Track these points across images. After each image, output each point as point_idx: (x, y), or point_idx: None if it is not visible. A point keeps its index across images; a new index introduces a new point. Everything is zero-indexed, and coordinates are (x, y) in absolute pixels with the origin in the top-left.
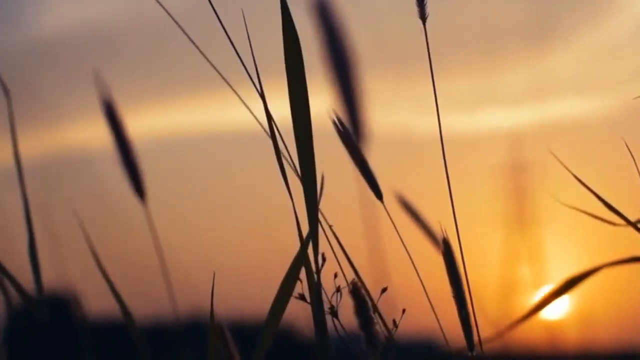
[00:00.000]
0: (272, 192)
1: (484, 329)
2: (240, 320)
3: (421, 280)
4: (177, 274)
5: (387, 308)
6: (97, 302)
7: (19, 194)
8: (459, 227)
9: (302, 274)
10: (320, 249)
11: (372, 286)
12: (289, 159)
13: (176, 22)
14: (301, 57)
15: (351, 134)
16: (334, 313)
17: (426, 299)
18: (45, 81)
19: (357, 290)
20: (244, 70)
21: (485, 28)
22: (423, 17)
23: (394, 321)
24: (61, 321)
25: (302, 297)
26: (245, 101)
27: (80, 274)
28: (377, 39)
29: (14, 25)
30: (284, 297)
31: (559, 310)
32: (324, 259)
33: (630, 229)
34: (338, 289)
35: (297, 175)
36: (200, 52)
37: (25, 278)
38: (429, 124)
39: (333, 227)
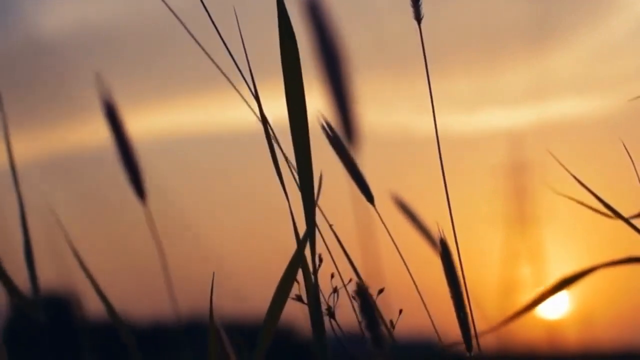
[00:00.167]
0: (272, 192)
1: (483, 328)
2: (240, 320)
3: (414, 281)
4: (177, 274)
5: (384, 309)
6: (98, 302)
7: (15, 197)
8: (458, 227)
9: (300, 275)
10: (317, 250)
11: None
12: (286, 160)
13: (180, 21)
14: (298, 57)
15: (340, 138)
16: (331, 314)
17: (426, 299)
18: (46, 81)
19: (363, 291)
20: (244, 71)
21: (485, 28)
22: (418, 17)
23: (391, 322)
24: (61, 321)
25: (299, 298)
26: (247, 101)
27: (81, 274)
28: (377, 39)
29: (14, 26)
30: (281, 297)
31: (559, 310)
32: (320, 260)
33: (630, 229)
34: (335, 290)
35: (293, 175)
36: (204, 50)
37: (23, 279)
38: (429, 124)
39: (333, 227)
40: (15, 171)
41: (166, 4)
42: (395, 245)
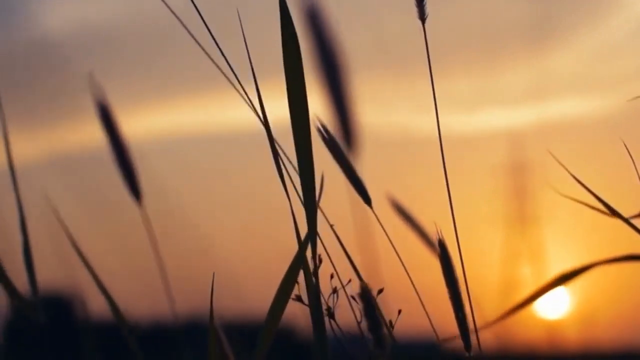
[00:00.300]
0: (272, 192)
1: (482, 325)
2: (240, 320)
3: (412, 282)
4: (177, 274)
5: (384, 310)
6: (99, 302)
7: (14, 197)
8: (459, 226)
9: (300, 275)
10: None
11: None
12: (286, 160)
13: (180, 21)
14: (300, 57)
15: (336, 140)
16: (330, 314)
17: (427, 299)
18: (46, 81)
19: (366, 292)
20: (244, 71)
21: (485, 28)
22: (422, 17)
23: (390, 322)
24: (62, 321)
25: (299, 298)
26: (248, 102)
27: (83, 274)
28: (377, 39)
29: (14, 25)
30: (283, 297)
31: (559, 310)
32: (320, 260)
33: (630, 228)
34: (335, 290)
35: (290, 178)
36: (204, 50)
37: (23, 279)
38: (429, 123)
39: (334, 227)
40: (14, 171)
41: (166, 4)
42: (393, 246)
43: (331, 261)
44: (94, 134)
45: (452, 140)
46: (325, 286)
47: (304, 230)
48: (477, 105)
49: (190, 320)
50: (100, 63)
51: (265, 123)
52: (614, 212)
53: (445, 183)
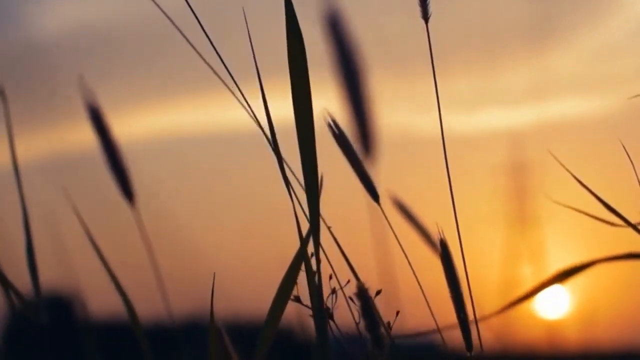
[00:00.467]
0: (272, 192)
1: (484, 328)
2: (240, 320)
3: (419, 282)
4: (175, 275)
5: (385, 309)
6: (100, 302)
7: (18, 197)
8: (459, 226)
9: (300, 276)
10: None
11: (378, 288)
12: (287, 161)
13: (173, 23)
14: (304, 57)
15: (346, 135)
16: (329, 315)
17: (428, 299)
18: (45, 81)
19: (364, 292)
20: (243, 72)
21: (485, 28)
22: (425, 17)
23: (389, 323)
24: (62, 322)
25: (297, 299)
26: (245, 102)
27: (84, 274)
28: (377, 38)
29: (13, 26)
30: (283, 297)
31: (559, 310)
32: (319, 261)
33: (631, 229)
34: (333, 291)
35: (286, 179)
36: (198, 53)
37: (26, 279)
38: (429, 123)
39: (332, 229)
40: (18, 172)
41: (160, 9)
42: (400, 245)
43: (330, 262)
44: (91, 135)
45: (452, 140)
46: (324, 287)
47: (305, 230)
48: (477, 105)
49: (190, 321)
50: (100, 63)
51: (270, 124)
52: (614, 212)
53: (448, 183)
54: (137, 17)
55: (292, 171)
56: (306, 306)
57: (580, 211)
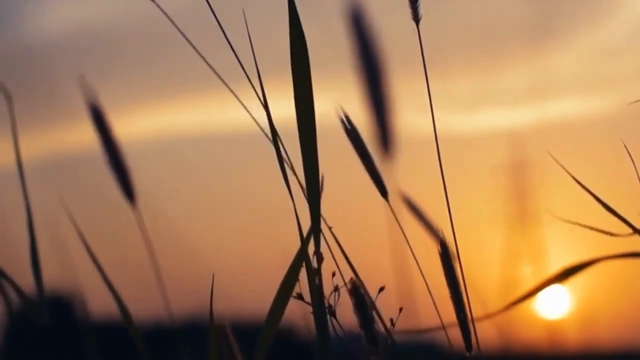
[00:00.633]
0: (272, 192)
1: (485, 328)
2: (240, 320)
3: (425, 280)
4: (176, 275)
5: (385, 308)
6: (102, 302)
7: (21, 196)
8: (459, 226)
9: (302, 274)
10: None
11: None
12: (288, 160)
13: (174, 23)
14: (307, 57)
15: (357, 131)
16: (331, 312)
17: (430, 298)
18: (46, 82)
19: (357, 289)
20: (245, 72)
21: (485, 28)
22: (416, 18)
23: (391, 320)
24: (62, 322)
25: (299, 296)
26: (245, 102)
27: (84, 274)
28: (379, 36)
29: (14, 26)
30: (284, 296)
31: (560, 310)
32: (322, 258)
33: (630, 229)
34: (336, 288)
35: (296, 176)
36: (199, 54)
37: (26, 279)
38: (429, 123)
39: (333, 229)
40: (22, 173)
41: (161, 9)
42: (408, 242)
43: (335, 260)
44: (92, 134)
45: (452, 140)
46: (327, 284)
47: (306, 229)
48: (477, 105)
49: (190, 321)
50: (100, 63)
51: (271, 124)
52: (613, 213)
53: (442, 183)
54: (137, 17)
55: (293, 171)
56: (308, 303)
57: (580, 224)
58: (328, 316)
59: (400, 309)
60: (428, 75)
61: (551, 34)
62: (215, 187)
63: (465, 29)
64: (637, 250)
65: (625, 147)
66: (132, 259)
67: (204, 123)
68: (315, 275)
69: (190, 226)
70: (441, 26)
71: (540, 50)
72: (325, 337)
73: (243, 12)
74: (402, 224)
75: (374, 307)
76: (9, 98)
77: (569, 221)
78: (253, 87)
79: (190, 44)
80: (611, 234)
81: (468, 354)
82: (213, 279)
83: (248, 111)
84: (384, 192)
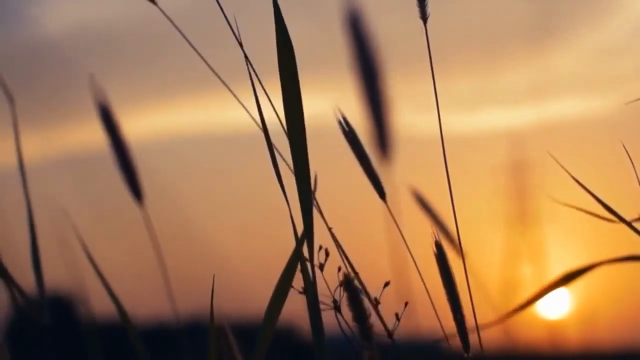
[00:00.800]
0: (272, 192)
1: (485, 324)
2: (241, 321)
3: (423, 280)
4: (180, 275)
5: (398, 307)
6: (101, 303)
7: (23, 196)
8: (459, 226)
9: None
10: (324, 246)
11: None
12: (285, 160)
13: (173, 23)
14: (293, 58)
15: (355, 132)
16: (336, 307)
17: (432, 298)
18: (47, 82)
19: (349, 282)
20: (244, 71)
21: (485, 28)
22: (424, 17)
23: (397, 315)
24: (62, 322)
25: (304, 290)
26: (244, 101)
27: (86, 274)
28: (376, 38)
29: (14, 26)
30: (280, 295)
31: (560, 310)
32: (327, 254)
33: (630, 230)
34: (341, 283)
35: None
36: (199, 54)
37: (27, 279)
38: (429, 123)
39: (333, 230)
40: (24, 171)
41: (161, 10)
42: (405, 242)
43: (340, 255)
44: (94, 134)
45: (452, 140)
46: (332, 280)
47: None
48: (477, 105)
49: (192, 321)
50: (100, 63)
51: (263, 124)
52: (613, 213)
53: (447, 182)
54: (137, 17)
55: (292, 171)
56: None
57: (579, 209)
58: (334, 311)
59: (406, 303)
60: (428, 75)
61: (551, 34)
62: (215, 187)
63: (465, 29)
64: (637, 253)
65: (625, 147)
66: (138, 259)
67: (204, 123)
68: (309, 274)
69: (190, 226)
70: (441, 26)
71: (540, 50)
72: (320, 335)
73: (234, 18)
74: (400, 225)
75: (377, 304)
76: (10, 98)
77: (568, 205)
78: (253, 87)
79: (190, 44)
80: (610, 220)
81: (466, 355)
82: (214, 279)
83: (247, 111)
84: (381, 194)
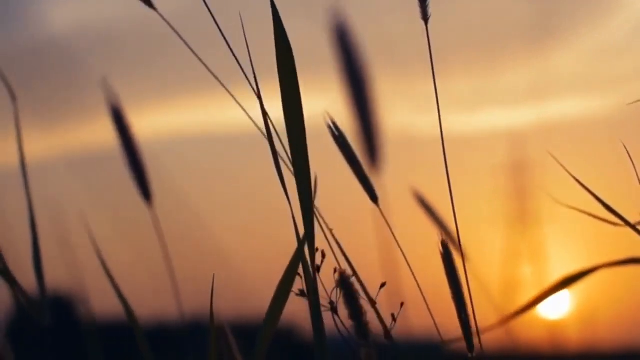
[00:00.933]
0: (272, 192)
1: (486, 326)
2: (243, 321)
3: (417, 281)
4: (186, 275)
5: (392, 308)
6: (104, 302)
7: (24, 196)
8: (459, 226)
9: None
10: (320, 247)
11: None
12: (286, 160)
13: (171, 26)
14: (292, 59)
15: (345, 136)
16: (333, 309)
17: (433, 298)
18: (48, 81)
19: (345, 280)
20: (242, 71)
21: (485, 28)
22: (425, 17)
23: (393, 315)
24: (63, 322)
25: (302, 292)
26: (244, 102)
27: (89, 273)
28: (377, 38)
29: (16, 26)
30: (282, 295)
31: (560, 310)
32: (323, 256)
33: (631, 230)
34: (337, 284)
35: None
36: (196, 55)
37: (28, 279)
38: (429, 123)
39: (333, 231)
40: (25, 170)
41: (159, 14)
42: (399, 245)
43: (344, 256)
44: (95, 133)
45: (452, 140)
46: (328, 282)
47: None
48: (477, 105)
49: (195, 321)
50: (101, 63)
51: (266, 124)
52: (614, 213)
53: (447, 183)
54: (137, 17)
55: (291, 171)
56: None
57: (581, 211)
58: (331, 313)
59: (402, 304)
60: (428, 75)
61: (551, 34)
62: (215, 187)
63: (465, 29)
64: (637, 256)
65: (625, 147)
66: (141, 258)
67: (204, 123)
68: (312, 274)
69: (198, 227)
70: (441, 26)
71: (540, 50)
72: (321, 335)
73: (240, 14)
74: (392, 227)
75: (374, 304)
76: (13, 96)
77: (571, 207)
78: (253, 88)
79: (187, 45)
80: (612, 223)
81: (470, 355)
82: (213, 280)
83: (246, 112)
84: (373, 197)
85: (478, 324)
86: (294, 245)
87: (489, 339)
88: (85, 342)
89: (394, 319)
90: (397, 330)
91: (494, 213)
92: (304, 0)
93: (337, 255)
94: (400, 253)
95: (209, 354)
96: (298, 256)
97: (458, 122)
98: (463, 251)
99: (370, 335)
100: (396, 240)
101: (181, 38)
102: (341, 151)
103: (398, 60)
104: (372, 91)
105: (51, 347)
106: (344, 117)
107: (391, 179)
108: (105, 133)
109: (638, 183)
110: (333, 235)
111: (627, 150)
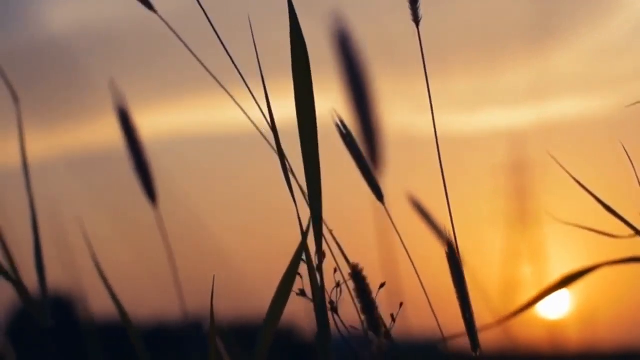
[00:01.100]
0: (272, 192)
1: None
2: (244, 321)
3: (421, 281)
4: (190, 275)
5: (393, 307)
6: (102, 303)
7: (26, 197)
8: (459, 226)
9: (303, 271)
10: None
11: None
12: (288, 161)
13: (170, 27)
14: (307, 58)
15: (352, 135)
16: (333, 309)
17: (434, 298)
18: (48, 82)
19: (358, 273)
20: (246, 71)
21: (485, 28)
22: (416, 20)
23: (392, 315)
24: (63, 322)
25: (302, 292)
26: (244, 102)
27: (89, 274)
28: (377, 38)
29: (16, 26)
30: (283, 294)
31: (560, 310)
32: (323, 255)
33: (630, 229)
34: (338, 284)
35: (295, 177)
36: (195, 56)
37: (28, 279)
38: (429, 123)
39: (333, 232)
40: (27, 171)
41: (159, 15)
42: (404, 244)
43: (333, 256)
44: (96, 133)
45: (452, 140)
46: (328, 282)
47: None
48: (477, 105)
49: (195, 321)
50: (101, 63)
51: (272, 124)
52: (612, 213)
53: (442, 183)
54: (137, 17)
55: (292, 173)
56: (310, 300)
57: (581, 227)
58: (330, 313)
59: (401, 304)
60: (428, 75)
61: (551, 34)
62: (215, 187)
63: (465, 29)
64: (637, 254)
65: (624, 148)
66: (142, 258)
67: (204, 123)
68: (316, 272)
69: (201, 227)
70: (441, 26)
71: (540, 50)
72: (326, 334)
73: (249, 18)
74: (397, 227)
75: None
76: (16, 99)
77: (569, 223)
78: (250, 90)
79: (186, 46)
80: (611, 236)
81: (474, 354)
82: (213, 280)
83: (245, 113)
84: (379, 196)
85: (476, 325)
86: (294, 245)
87: (489, 339)
88: (85, 342)
89: (393, 319)
90: (397, 330)
91: (493, 213)
92: (304, 0)
93: (336, 255)
94: (401, 253)
95: (209, 353)
96: (298, 256)
97: (458, 122)
98: (459, 251)
99: (382, 330)
100: (401, 240)
101: (180, 39)
102: (348, 149)
103: (398, 60)
104: (372, 91)
105: (52, 346)
106: (344, 118)
107: (391, 179)
108: (105, 133)
109: (638, 183)
110: (333, 236)
111: (626, 151)
